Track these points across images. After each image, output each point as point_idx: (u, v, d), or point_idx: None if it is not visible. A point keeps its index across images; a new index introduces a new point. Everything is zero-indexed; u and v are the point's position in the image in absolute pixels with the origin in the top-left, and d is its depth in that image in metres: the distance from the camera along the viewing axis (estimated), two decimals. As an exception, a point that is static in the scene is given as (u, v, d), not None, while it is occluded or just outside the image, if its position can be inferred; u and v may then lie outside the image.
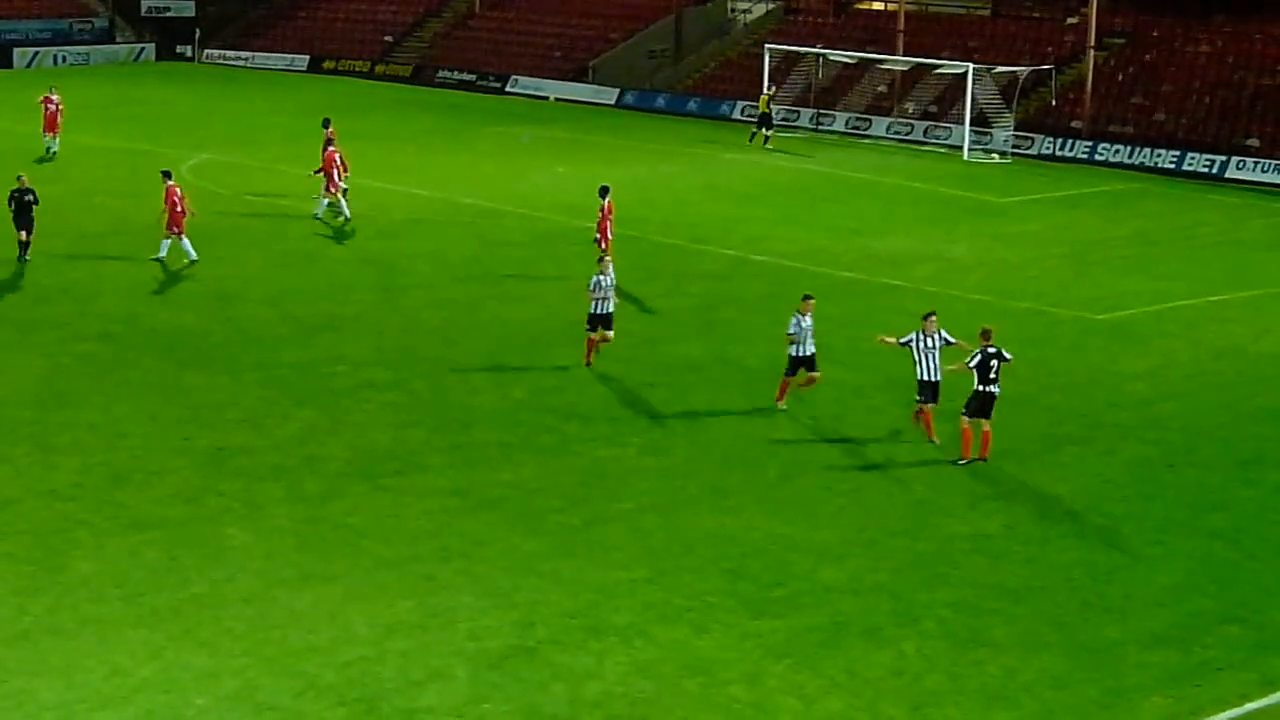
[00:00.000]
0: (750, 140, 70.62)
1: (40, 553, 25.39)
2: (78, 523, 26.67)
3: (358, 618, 23.30)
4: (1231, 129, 68.62)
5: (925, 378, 30.92)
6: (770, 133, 70.42)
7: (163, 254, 44.83)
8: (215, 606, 23.61)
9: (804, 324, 32.73)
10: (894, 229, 53.39)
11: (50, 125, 62.43)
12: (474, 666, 21.94)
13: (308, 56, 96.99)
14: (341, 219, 50.85)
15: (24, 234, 44.04)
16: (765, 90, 72.54)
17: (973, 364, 30.08)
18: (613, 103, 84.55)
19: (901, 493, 28.71)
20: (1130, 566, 26.03)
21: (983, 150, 69.56)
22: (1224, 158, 66.41)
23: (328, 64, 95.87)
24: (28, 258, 43.93)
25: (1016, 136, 70.80)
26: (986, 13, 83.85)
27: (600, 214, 44.61)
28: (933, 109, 74.24)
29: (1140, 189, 63.33)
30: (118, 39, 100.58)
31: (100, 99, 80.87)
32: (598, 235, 44.51)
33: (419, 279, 44.32)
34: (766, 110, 70.91)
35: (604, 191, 44.72)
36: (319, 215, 51.59)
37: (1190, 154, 67.12)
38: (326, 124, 54.31)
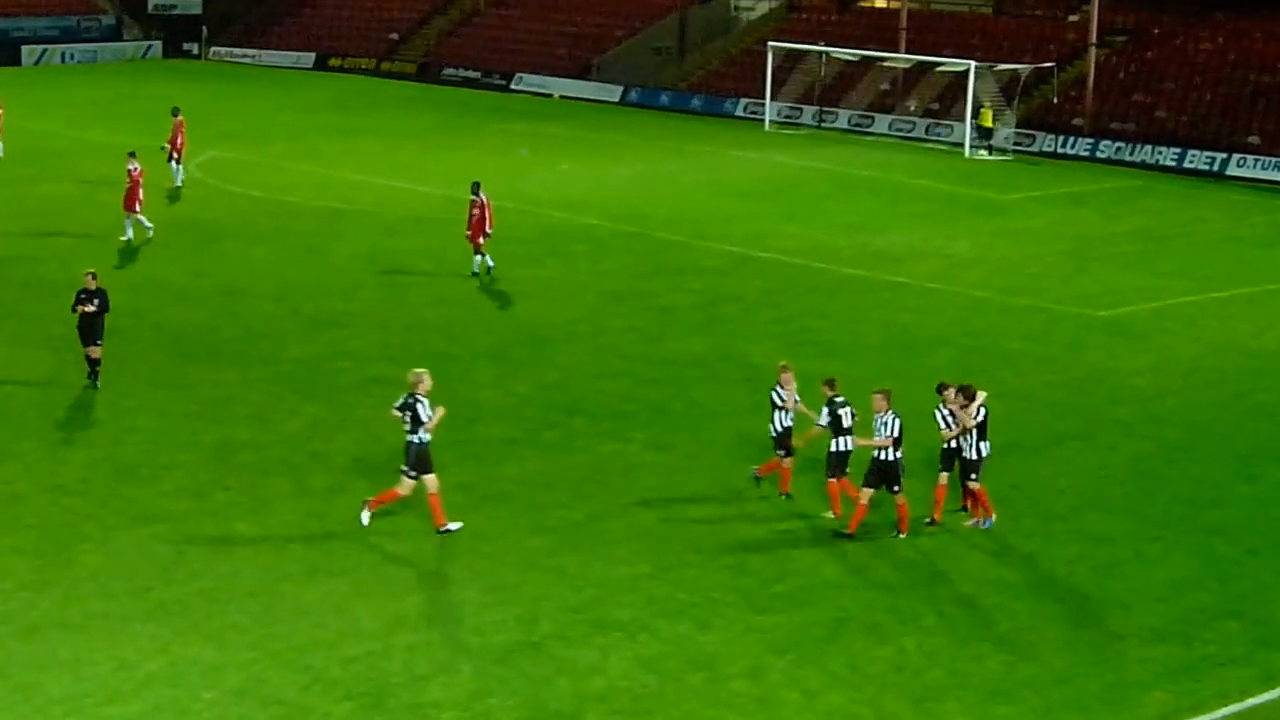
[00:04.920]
0: (990, 154, 69.90)
1: (48, 547, 25.53)
2: (85, 517, 26.81)
3: (364, 612, 23.44)
4: (1232, 126, 68.70)
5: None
6: (989, 143, 70.14)
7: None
8: (222, 601, 23.74)
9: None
10: (896, 226, 53.49)
11: None
12: (479, 661, 22.07)
13: (314, 54, 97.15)
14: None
15: (94, 350, 33.82)
16: (985, 105, 71.01)
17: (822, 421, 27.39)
18: (617, 100, 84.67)
19: (904, 489, 28.79)
20: (1131, 562, 26.15)
21: (984, 148, 69.61)
22: (1225, 155, 66.50)
23: (333, 61, 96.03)
24: (97, 383, 33.82)
25: (1018, 134, 70.90)
26: (989, 10, 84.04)
27: (476, 209, 44.07)
28: (935, 106, 74.32)
29: (1141, 186, 63.44)
30: (125, 36, 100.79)
31: (107, 96, 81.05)
32: (469, 231, 44.21)
33: (423, 275, 44.45)
34: (990, 125, 70.52)
35: (476, 188, 44.37)
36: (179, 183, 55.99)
37: (1191, 151, 67.22)
38: (176, 112, 56.86)
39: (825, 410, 27.28)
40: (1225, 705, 21.45)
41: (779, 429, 28.12)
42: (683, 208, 55.47)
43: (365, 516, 26.44)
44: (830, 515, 27.35)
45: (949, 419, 27.17)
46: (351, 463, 29.79)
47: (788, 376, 28.26)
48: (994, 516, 27.28)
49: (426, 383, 26.25)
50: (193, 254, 46.56)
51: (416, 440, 26.04)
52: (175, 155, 55.91)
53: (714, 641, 22.86)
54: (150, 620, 23.01)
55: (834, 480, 27.39)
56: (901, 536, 26.61)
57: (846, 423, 27.27)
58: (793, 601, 24.26)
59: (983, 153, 69.43)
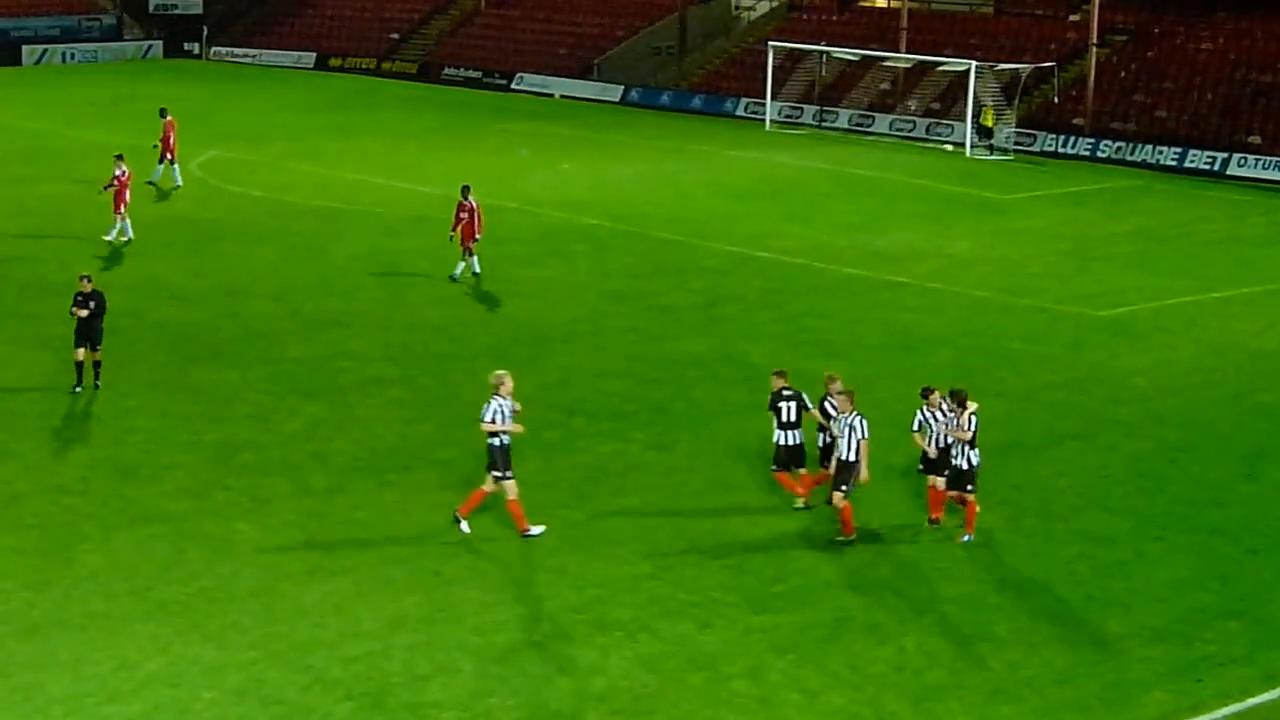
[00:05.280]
0: (991, 153, 69.77)
1: (48, 547, 25.54)
2: (85, 517, 26.82)
3: (364, 612, 23.45)
4: (1233, 126, 68.69)
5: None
6: (990, 142, 70.07)
7: None
8: (222, 600, 23.75)
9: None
10: (896, 225, 53.49)
11: None
12: (480, 661, 22.08)
13: (314, 54, 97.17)
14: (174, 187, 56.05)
15: (92, 350, 33.45)
16: (986, 105, 70.77)
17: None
18: (617, 100, 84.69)
19: (904, 488, 28.80)
20: (1132, 562, 26.14)
21: (985, 148, 69.62)
22: (1226, 155, 66.48)
23: (334, 61, 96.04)
24: (98, 383, 33.50)
25: (1019, 133, 70.88)
26: (989, 10, 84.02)
27: (464, 213, 43.46)
28: (935, 106, 74.32)
29: (1142, 186, 63.44)
30: (125, 36, 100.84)
31: (107, 96, 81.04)
32: (453, 233, 43.63)
33: (423, 275, 44.42)
34: (991, 124, 70.30)
35: (465, 191, 43.90)
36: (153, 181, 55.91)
37: (1192, 151, 67.21)
38: (164, 113, 56.87)
39: (771, 399, 27.64)
40: (1226, 705, 21.45)
41: (825, 441, 27.64)
42: (683, 207, 55.49)
43: (536, 529, 26.11)
44: (800, 503, 27.57)
45: (931, 422, 26.90)
46: (352, 463, 29.81)
47: (836, 386, 27.48)
48: (972, 534, 26.74)
49: (508, 384, 26.07)
50: (193, 254, 46.57)
51: (497, 443, 25.95)
52: (170, 156, 55.96)
53: (714, 641, 22.86)
54: (151, 620, 23.03)
55: (781, 472, 27.64)
56: (849, 539, 26.22)
57: (784, 417, 27.38)
58: (793, 601, 24.27)
59: (983, 152, 69.38)
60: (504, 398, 25.98)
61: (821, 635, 23.14)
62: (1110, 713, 21.20)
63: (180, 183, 56.05)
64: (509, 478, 26.05)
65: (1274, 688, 22.00)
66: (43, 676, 21.29)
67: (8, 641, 22.28)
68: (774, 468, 27.82)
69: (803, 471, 27.86)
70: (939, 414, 26.89)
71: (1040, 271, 47.10)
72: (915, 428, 27.15)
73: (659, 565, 25.39)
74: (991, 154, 69.43)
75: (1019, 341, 39.28)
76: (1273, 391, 35.86)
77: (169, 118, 56.47)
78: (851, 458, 26.13)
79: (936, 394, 27.16)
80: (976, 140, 69.84)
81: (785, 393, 27.48)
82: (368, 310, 40.85)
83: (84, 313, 33.19)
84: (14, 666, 21.55)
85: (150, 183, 55.30)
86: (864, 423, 26.22)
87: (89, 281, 33.73)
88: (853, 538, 26.34)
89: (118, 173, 47.72)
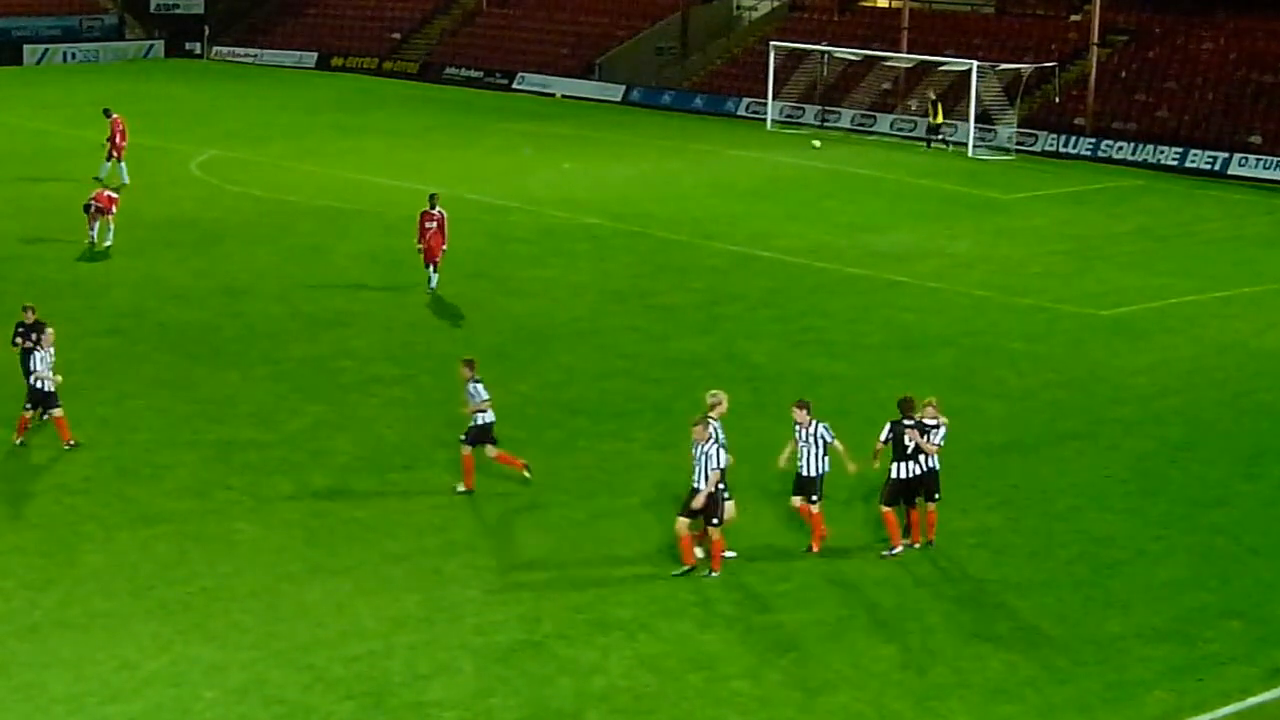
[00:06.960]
0: (928, 146, 70.44)
1: (50, 546, 25.57)
2: (87, 517, 26.84)
3: (365, 611, 23.47)
4: (1234, 126, 68.64)
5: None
6: (937, 139, 70.47)
7: None
8: (224, 600, 23.77)
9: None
10: (897, 225, 53.49)
11: None
12: (480, 660, 22.10)
13: (316, 53, 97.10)
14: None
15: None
16: (932, 98, 71.17)
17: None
18: (619, 99, 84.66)
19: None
20: (1132, 561, 26.16)
21: (926, 141, 70.05)
22: (1227, 154, 66.43)
23: (335, 61, 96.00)
24: (46, 416, 30.56)
25: (1020, 133, 70.89)
26: (990, 10, 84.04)
27: (431, 222, 42.60)
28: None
29: (1143, 185, 63.42)
30: (127, 36, 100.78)
31: (109, 96, 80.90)
32: (420, 245, 42.64)
33: (425, 275, 44.39)
34: (938, 121, 70.52)
35: (433, 200, 43.08)
36: (100, 177, 54.44)
37: (1193, 151, 67.17)
38: (108, 113, 56.84)
39: (479, 390, 28.22)
40: (1226, 704, 21.46)
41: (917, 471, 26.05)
42: (684, 207, 55.48)
43: (730, 553, 25.42)
44: (462, 487, 28.10)
45: (811, 438, 25.84)
46: (353, 462, 29.83)
47: (931, 411, 26.09)
48: (818, 549, 25.86)
49: (722, 406, 25.56)
50: (195, 254, 46.57)
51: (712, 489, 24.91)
52: (117, 154, 55.75)
53: (715, 641, 22.88)
54: (152, 619, 23.06)
55: (490, 448, 28.35)
56: (715, 575, 25.02)
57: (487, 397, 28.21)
58: (794, 601, 24.28)
59: (938, 149, 69.53)
60: (715, 420, 25.18)
61: (823, 634, 23.15)
62: (1111, 712, 21.21)
63: (127, 180, 55.39)
64: (726, 499, 25.25)
65: (1275, 687, 22.00)
66: (44, 675, 21.32)
67: (9, 640, 22.31)
68: (466, 442, 28.27)
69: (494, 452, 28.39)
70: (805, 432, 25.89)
71: (1041, 271, 47.10)
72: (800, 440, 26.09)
73: (659, 565, 25.40)
74: (930, 147, 69.79)
75: (1020, 341, 39.27)
76: (1274, 391, 35.85)
77: (115, 116, 56.41)
78: (711, 488, 24.86)
79: (805, 411, 26.00)
80: (932, 136, 70.48)
81: (477, 379, 28.28)
82: (369, 310, 40.86)
83: (30, 344, 30.81)
84: (15, 666, 21.59)
85: (97, 179, 54.95)
86: (721, 452, 25.00)
87: (32, 312, 31.60)
88: (717, 572, 25.13)
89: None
